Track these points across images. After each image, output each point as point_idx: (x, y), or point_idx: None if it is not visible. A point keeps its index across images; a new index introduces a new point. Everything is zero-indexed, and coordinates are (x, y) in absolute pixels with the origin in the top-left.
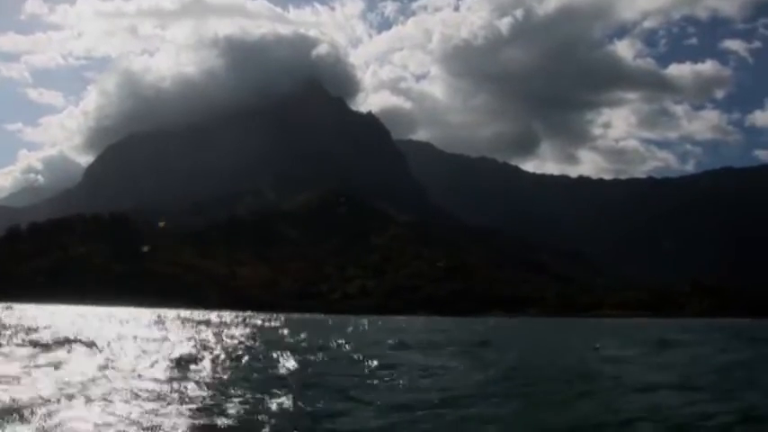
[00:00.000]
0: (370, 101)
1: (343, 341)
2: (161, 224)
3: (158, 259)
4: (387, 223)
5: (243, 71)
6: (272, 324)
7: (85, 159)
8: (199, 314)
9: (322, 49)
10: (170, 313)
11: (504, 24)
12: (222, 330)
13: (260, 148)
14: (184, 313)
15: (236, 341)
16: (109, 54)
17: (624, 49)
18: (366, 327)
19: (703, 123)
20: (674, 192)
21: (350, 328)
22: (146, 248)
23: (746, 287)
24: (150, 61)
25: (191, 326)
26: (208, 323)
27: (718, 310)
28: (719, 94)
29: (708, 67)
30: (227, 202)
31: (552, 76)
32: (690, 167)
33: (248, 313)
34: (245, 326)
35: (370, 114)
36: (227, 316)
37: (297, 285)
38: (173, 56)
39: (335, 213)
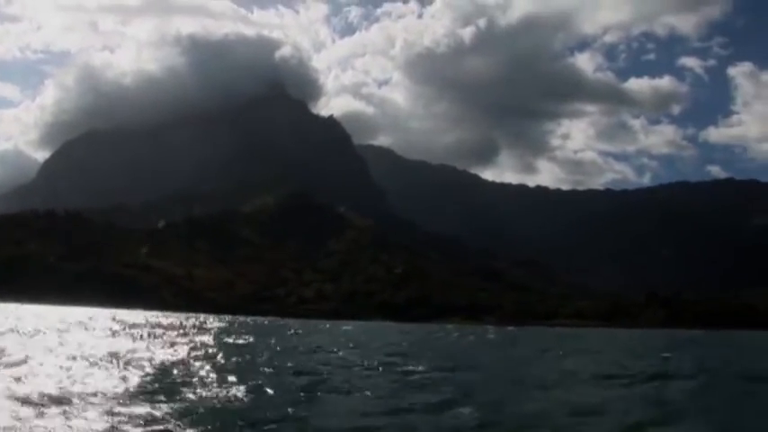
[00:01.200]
0: (331, 105)
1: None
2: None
3: (114, 259)
4: (345, 228)
5: (205, 70)
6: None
7: (42, 155)
8: (144, 316)
9: (285, 52)
10: (115, 314)
11: (467, 33)
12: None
13: (220, 148)
14: (130, 315)
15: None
16: (68, 49)
17: (584, 62)
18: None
19: (659, 137)
20: (630, 203)
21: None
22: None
23: (699, 299)
24: (111, 57)
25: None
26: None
27: (671, 322)
28: (676, 109)
29: (665, 82)
30: (185, 203)
31: (513, 85)
32: (646, 180)
33: (203, 316)
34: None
35: (331, 118)
36: (178, 319)
37: (253, 288)
38: (134, 53)
39: (294, 217)
